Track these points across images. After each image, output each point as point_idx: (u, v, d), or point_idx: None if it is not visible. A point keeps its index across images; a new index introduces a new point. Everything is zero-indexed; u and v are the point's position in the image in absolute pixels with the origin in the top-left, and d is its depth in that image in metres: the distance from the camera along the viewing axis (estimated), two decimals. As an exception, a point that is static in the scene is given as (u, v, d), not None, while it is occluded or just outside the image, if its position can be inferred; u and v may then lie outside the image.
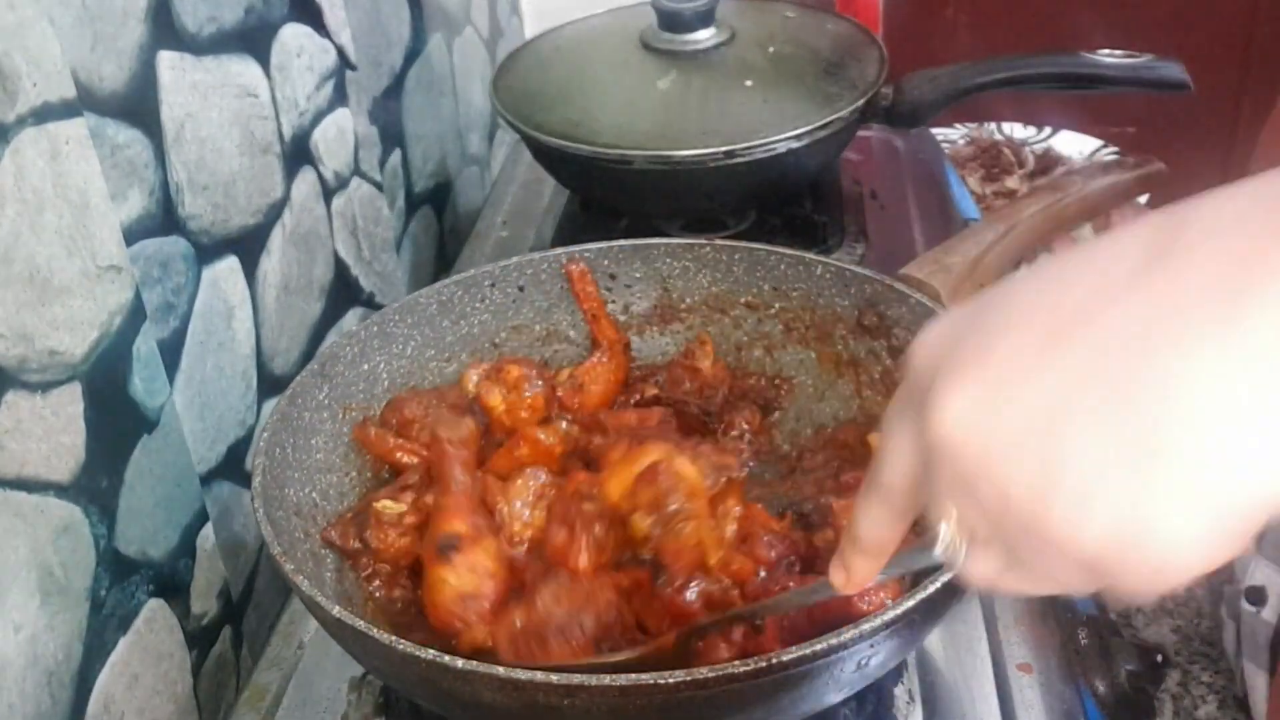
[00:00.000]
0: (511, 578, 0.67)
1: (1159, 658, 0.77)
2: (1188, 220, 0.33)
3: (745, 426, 0.80)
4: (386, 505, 0.72)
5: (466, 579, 0.65)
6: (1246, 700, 0.92)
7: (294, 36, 0.91)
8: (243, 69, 0.84)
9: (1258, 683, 0.89)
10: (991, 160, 1.59)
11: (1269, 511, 0.31)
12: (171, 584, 0.77)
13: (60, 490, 0.65)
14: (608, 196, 1.11)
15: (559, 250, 0.84)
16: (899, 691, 0.69)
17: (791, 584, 0.66)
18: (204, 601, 0.81)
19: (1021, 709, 0.71)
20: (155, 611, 0.74)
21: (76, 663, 0.67)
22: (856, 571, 0.45)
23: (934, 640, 0.73)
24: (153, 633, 0.74)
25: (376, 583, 0.71)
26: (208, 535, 0.81)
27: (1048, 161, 1.58)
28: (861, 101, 1.01)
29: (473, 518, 0.68)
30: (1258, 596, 0.87)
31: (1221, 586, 0.95)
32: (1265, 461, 0.30)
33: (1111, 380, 0.31)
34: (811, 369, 0.83)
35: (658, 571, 0.65)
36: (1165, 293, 0.31)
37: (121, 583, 0.71)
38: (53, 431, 0.64)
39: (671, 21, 1.07)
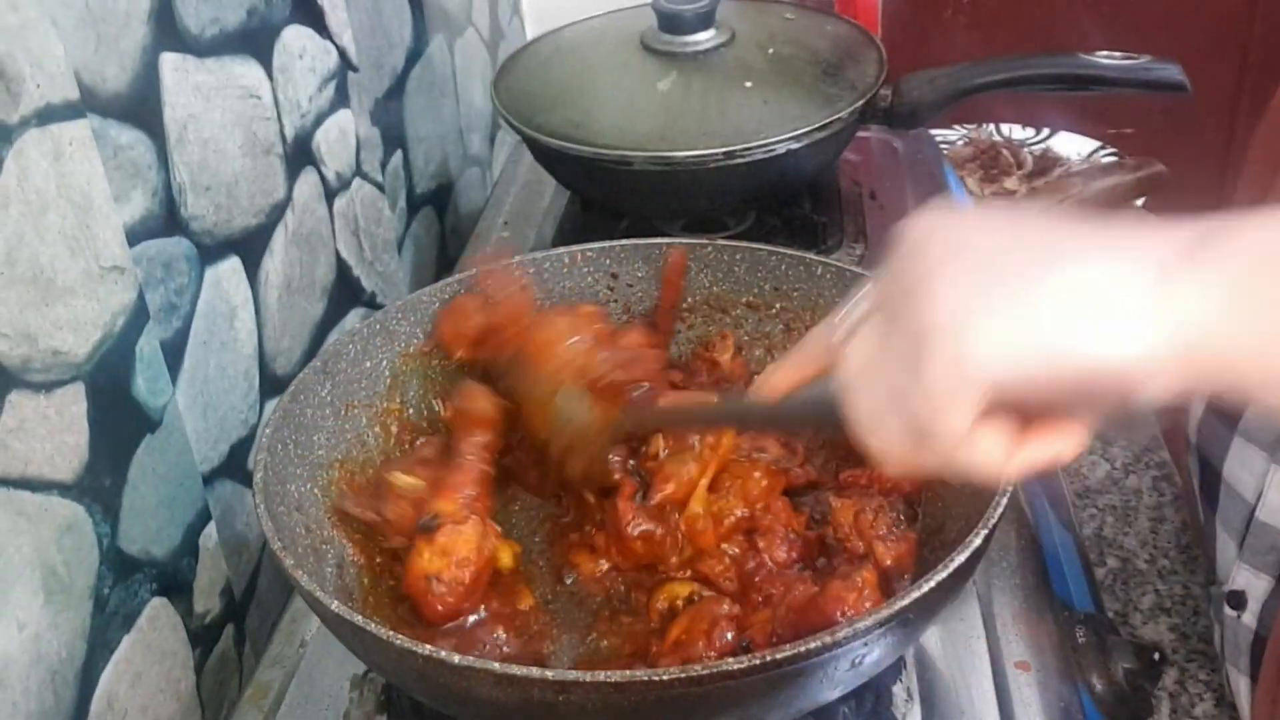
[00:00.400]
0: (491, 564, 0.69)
1: (1156, 656, 0.77)
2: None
3: None
4: (400, 479, 0.72)
5: (436, 561, 0.66)
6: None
7: (296, 38, 0.92)
8: (245, 70, 0.84)
9: (1240, 687, 0.89)
10: (990, 161, 1.59)
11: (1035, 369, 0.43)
12: (174, 583, 0.77)
13: (64, 489, 0.65)
14: (608, 197, 1.11)
15: (561, 249, 0.85)
16: (898, 690, 0.69)
17: (800, 586, 0.67)
18: (207, 600, 0.81)
19: (1019, 707, 0.71)
20: (158, 610, 0.75)
21: (80, 661, 0.67)
22: (779, 378, 0.58)
23: (932, 638, 0.73)
24: (156, 631, 0.75)
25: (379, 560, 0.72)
26: (210, 534, 0.81)
27: (1046, 162, 1.57)
28: (861, 102, 1.02)
29: (465, 498, 0.69)
30: (1238, 601, 0.87)
31: (1206, 586, 0.96)
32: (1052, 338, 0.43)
33: (1017, 270, 0.44)
34: (810, 369, 0.83)
35: (644, 488, 0.71)
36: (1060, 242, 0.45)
37: (125, 581, 0.71)
38: (56, 431, 0.64)
39: (672, 23, 1.07)
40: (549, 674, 0.52)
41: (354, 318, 1.03)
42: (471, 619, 0.67)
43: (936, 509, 0.71)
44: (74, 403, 0.66)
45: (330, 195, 0.99)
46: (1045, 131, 1.64)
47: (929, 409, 0.45)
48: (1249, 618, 0.86)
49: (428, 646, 0.53)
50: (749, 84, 1.04)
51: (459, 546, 0.67)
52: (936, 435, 0.46)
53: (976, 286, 0.44)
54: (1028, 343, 0.43)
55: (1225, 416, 0.86)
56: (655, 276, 0.86)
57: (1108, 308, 0.42)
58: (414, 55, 1.18)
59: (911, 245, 0.47)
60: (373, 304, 1.08)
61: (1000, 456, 0.47)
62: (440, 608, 0.66)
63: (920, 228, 0.48)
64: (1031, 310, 0.43)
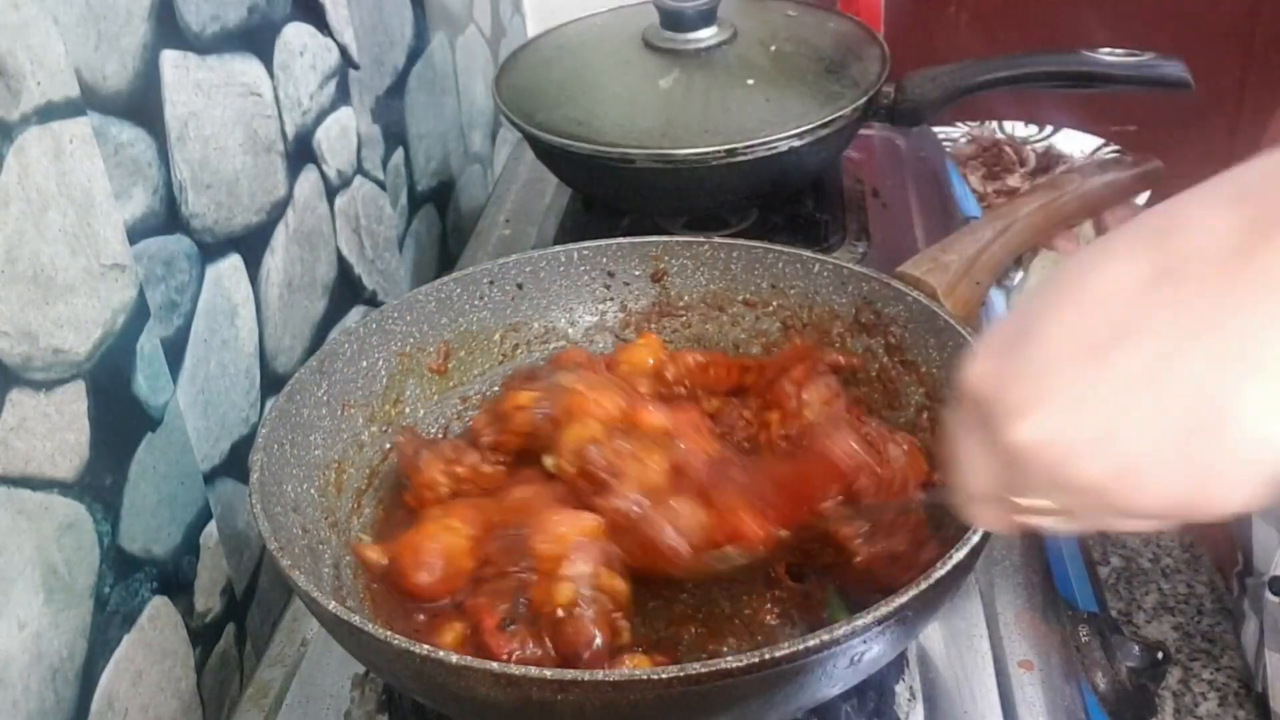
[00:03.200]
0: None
1: (1160, 655, 0.77)
2: (1173, 227, 0.41)
3: (743, 419, 0.80)
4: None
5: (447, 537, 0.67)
6: (1263, 695, 0.92)
7: (297, 35, 0.92)
8: (246, 68, 0.84)
9: None
10: (993, 159, 1.58)
11: None
12: (175, 581, 0.77)
13: (64, 488, 0.65)
14: (610, 195, 1.11)
15: (557, 248, 0.85)
16: (900, 689, 0.69)
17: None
18: (207, 599, 0.81)
19: (1023, 706, 0.71)
20: (159, 609, 0.75)
21: (80, 660, 0.67)
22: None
23: (935, 637, 0.73)
24: (156, 630, 0.75)
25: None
26: (211, 533, 0.81)
27: (1049, 160, 1.57)
28: (863, 100, 1.02)
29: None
30: None
31: (1241, 579, 0.95)
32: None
33: (1155, 384, 0.40)
34: (809, 366, 0.83)
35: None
36: (1176, 305, 0.40)
37: (125, 580, 0.71)
38: (57, 429, 0.65)
39: (673, 20, 1.07)
40: (547, 673, 0.52)
41: (355, 316, 1.03)
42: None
43: (935, 507, 0.71)
44: (75, 401, 0.66)
45: (331, 193, 0.99)
46: (1048, 129, 1.64)
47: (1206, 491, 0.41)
48: None
49: (425, 646, 0.53)
50: (751, 81, 1.04)
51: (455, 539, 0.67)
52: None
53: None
54: None
55: None
56: (650, 274, 0.86)
57: None
58: (415, 52, 1.18)
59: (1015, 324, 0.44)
60: (374, 302, 1.08)
61: None
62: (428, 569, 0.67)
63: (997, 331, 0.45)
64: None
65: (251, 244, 0.86)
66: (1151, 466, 0.41)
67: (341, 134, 1.00)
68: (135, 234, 0.71)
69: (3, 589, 0.61)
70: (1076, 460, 0.42)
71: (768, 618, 0.67)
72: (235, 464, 0.84)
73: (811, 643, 0.52)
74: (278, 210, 0.90)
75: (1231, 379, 0.39)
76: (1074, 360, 0.42)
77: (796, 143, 0.98)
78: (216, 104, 0.80)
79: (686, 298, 0.86)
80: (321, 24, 0.96)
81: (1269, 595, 0.88)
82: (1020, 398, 0.43)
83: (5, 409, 0.60)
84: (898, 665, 0.70)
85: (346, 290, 1.02)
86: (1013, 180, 1.54)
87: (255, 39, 0.85)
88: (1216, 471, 0.40)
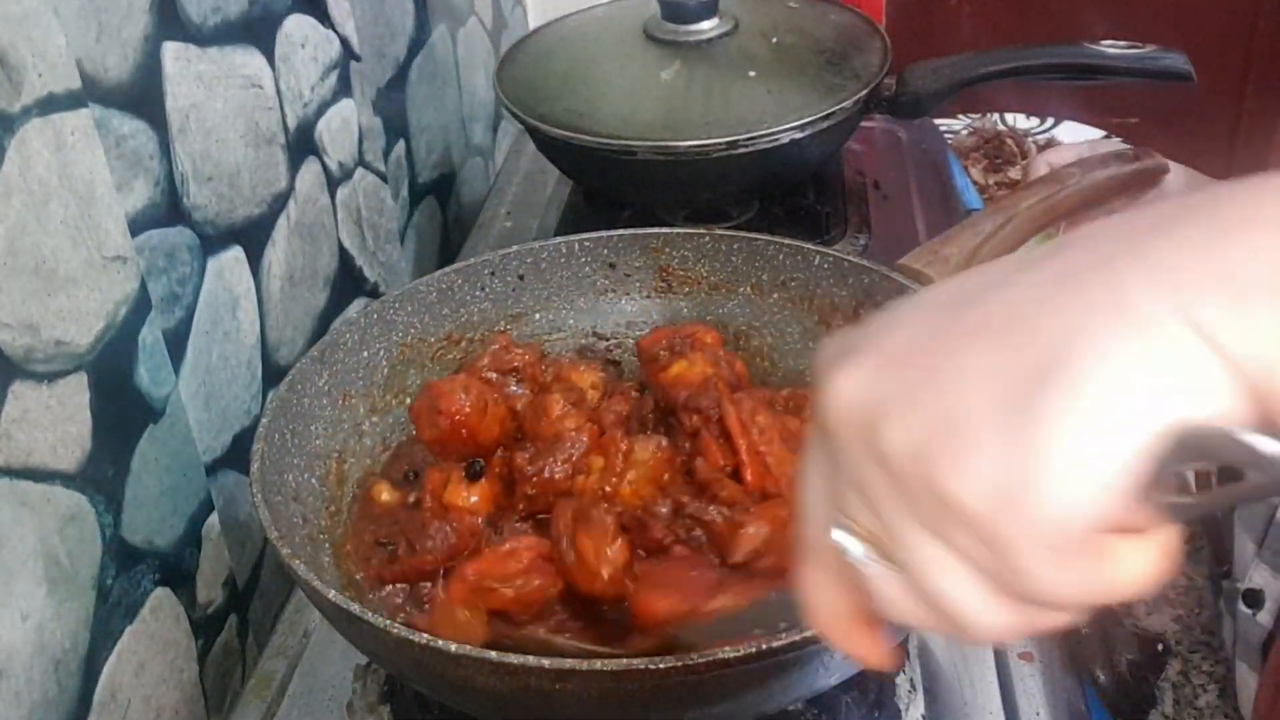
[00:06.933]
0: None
1: (1160, 647, 0.77)
2: (1067, 238, 0.34)
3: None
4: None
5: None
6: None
7: (298, 27, 0.92)
8: (247, 60, 0.84)
9: (1248, 682, 0.89)
10: (994, 151, 1.59)
11: (1146, 458, 0.30)
12: (177, 573, 0.77)
13: (67, 479, 0.66)
14: (611, 187, 1.11)
15: (558, 239, 0.85)
16: (900, 680, 0.69)
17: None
18: (210, 590, 0.81)
19: (1023, 698, 0.71)
20: (161, 600, 0.75)
21: (83, 651, 0.67)
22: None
23: (934, 629, 0.73)
24: (159, 621, 0.75)
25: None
26: (213, 524, 0.82)
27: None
28: (864, 92, 1.02)
29: None
30: (1254, 600, 0.87)
31: (1222, 579, 0.95)
32: (1141, 420, 0.30)
33: (996, 338, 0.32)
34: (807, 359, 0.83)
35: None
36: (1050, 274, 0.32)
37: (128, 571, 0.71)
38: (59, 421, 0.65)
39: (675, 12, 1.07)
40: (546, 663, 0.52)
41: (356, 308, 1.03)
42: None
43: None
44: (77, 393, 0.66)
45: (333, 185, 0.99)
46: (1050, 121, 1.64)
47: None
48: (1265, 616, 0.86)
49: (425, 635, 0.54)
50: (752, 73, 1.04)
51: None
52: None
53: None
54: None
55: None
56: (653, 266, 0.86)
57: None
58: (416, 44, 1.18)
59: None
60: (375, 294, 1.08)
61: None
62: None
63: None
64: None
65: (253, 236, 0.86)
66: (963, 435, 0.31)
67: (343, 126, 1.00)
68: (137, 226, 0.71)
69: (5, 580, 0.61)
70: (876, 423, 0.33)
71: None
72: (237, 456, 0.84)
73: (809, 634, 0.52)
74: (279, 202, 0.90)
75: (1094, 353, 0.30)
76: (916, 325, 0.35)
77: (798, 135, 0.98)
78: (218, 96, 0.80)
79: (688, 289, 0.86)
80: (323, 16, 0.96)
81: (1241, 606, 0.88)
82: (844, 364, 0.35)
83: (7, 401, 0.60)
84: (897, 656, 0.70)
85: (348, 282, 1.02)
86: (1014, 172, 1.54)
87: (256, 31, 0.85)
88: (1049, 461, 0.30)
